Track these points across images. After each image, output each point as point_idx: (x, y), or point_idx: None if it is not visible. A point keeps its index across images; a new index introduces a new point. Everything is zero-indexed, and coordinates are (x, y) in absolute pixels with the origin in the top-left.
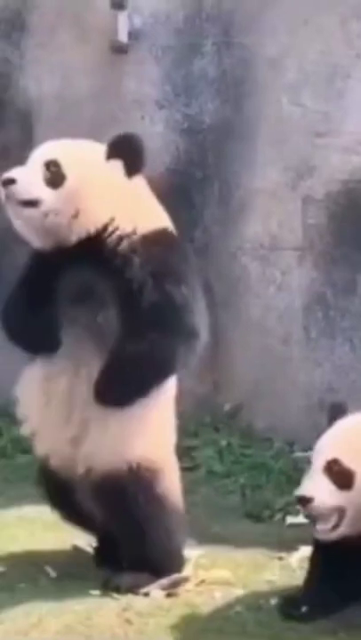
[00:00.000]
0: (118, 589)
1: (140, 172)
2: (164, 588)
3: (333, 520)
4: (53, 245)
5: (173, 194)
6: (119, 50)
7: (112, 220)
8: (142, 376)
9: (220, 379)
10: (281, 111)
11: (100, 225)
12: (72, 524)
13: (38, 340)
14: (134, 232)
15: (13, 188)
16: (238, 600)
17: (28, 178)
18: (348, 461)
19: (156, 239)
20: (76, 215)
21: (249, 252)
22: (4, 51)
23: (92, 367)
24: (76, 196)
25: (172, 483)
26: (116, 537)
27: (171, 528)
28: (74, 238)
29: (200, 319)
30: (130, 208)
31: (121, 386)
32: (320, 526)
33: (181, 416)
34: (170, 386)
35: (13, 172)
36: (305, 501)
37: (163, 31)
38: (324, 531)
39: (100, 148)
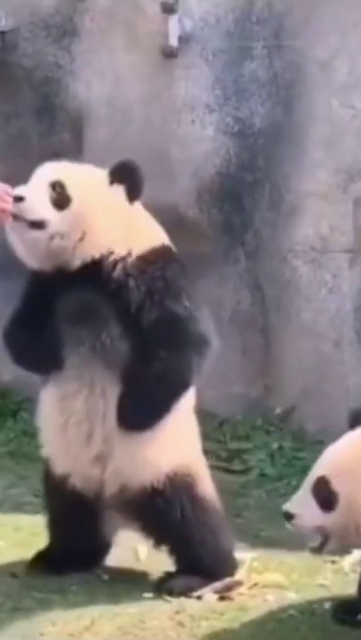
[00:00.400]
0: (171, 592)
1: (140, 198)
2: (217, 592)
3: (319, 538)
4: (54, 268)
5: (224, 197)
6: (170, 54)
7: (111, 241)
8: (162, 396)
9: (272, 382)
10: (331, 113)
11: (103, 250)
12: (67, 544)
13: (41, 360)
14: (129, 254)
15: (22, 206)
16: (291, 604)
17: (36, 197)
18: (335, 482)
19: (150, 259)
20: (81, 239)
21: (300, 254)
22: (54, 55)
23: (106, 384)
24: (81, 220)
25: (208, 484)
26: (166, 545)
27: (217, 529)
28: (77, 262)
29: (205, 326)
30: (127, 232)
31: (143, 409)
32: (309, 543)
33: (233, 419)
34: (189, 392)
35: (21, 190)
36: (289, 517)
37: (213, 35)
38: (313, 548)
39: (101, 173)
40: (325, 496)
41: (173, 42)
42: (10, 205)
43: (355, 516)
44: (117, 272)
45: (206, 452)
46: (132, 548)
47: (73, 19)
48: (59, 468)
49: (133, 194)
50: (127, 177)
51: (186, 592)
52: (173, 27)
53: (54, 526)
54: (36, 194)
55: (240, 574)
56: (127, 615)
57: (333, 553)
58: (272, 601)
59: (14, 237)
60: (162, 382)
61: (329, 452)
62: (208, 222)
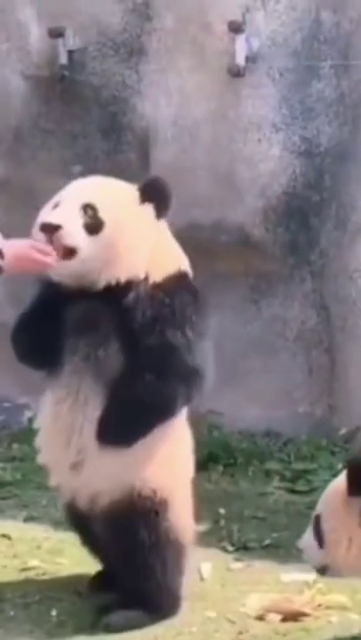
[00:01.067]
0: (108, 628)
1: (166, 215)
2: (280, 612)
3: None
4: (77, 287)
5: (290, 217)
6: (237, 73)
7: (136, 267)
8: (140, 419)
9: (337, 402)
10: None
11: (130, 273)
12: (91, 552)
13: (44, 358)
14: (145, 279)
15: (58, 235)
16: (355, 625)
17: (70, 223)
18: (324, 519)
19: (163, 286)
20: (109, 263)
21: None
22: (122, 75)
23: (89, 395)
24: (113, 244)
25: (177, 515)
26: (115, 570)
27: (168, 564)
28: (102, 284)
29: (203, 358)
30: (151, 255)
31: (120, 427)
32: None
33: (297, 439)
34: (177, 419)
35: (55, 217)
36: (300, 552)
37: (280, 54)
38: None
39: (131, 191)
40: (318, 534)
41: (240, 61)
42: (53, 260)
43: (337, 553)
44: (130, 295)
45: (271, 473)
46: (195, 567)
47: (140, 38)
48: (51, 477)
49: (162, 211)
50: (157, 194)
51: (124, 629)
52: (241, 46)
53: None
54: (70, 220)
55: (305, 595)
56: (190, 634)
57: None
58: (336, 622)
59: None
60: (142, 406)
61: (327, 488)
62: (274, 241)
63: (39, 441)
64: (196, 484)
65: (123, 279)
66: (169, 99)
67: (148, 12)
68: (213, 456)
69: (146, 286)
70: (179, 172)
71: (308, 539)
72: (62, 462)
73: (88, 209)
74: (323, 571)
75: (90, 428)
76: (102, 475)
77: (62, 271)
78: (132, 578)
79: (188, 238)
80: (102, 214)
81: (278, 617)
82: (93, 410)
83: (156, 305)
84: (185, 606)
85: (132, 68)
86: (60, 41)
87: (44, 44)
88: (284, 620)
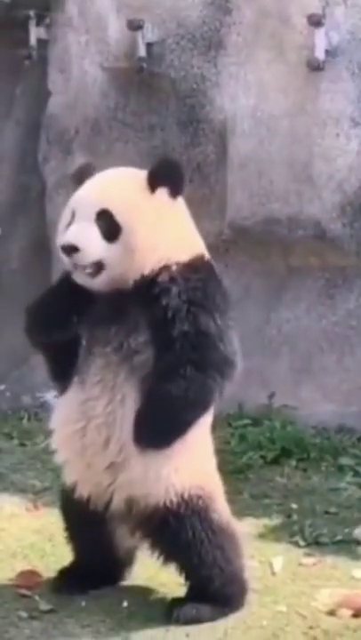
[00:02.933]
0: (178, 621)
1: (183, 192)
2: (351, 607)
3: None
4: (107, 288)
5: None
6: (316, 67)
7: (162, 254)
8: (180, 416)
9: None
10: None
11: (153, 265)
12: (83, 561)
13: (45, 331)
14: (177, 262)
15: (77, 257)
16: None
17: (89, 239)
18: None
19: (195, 267)
20: (134, 262)
21: None
22: (200, 68)
23: (126, 392)
24: (132, 246)
25: (222, 505)
26: (176, 565)
27: (230, 553)
28: (130, 282)
29: (233, 348)
30: (173, 238)
31: (159, 428)
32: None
33: None
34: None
35: (73, 237)
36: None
37: (360, 48)
38: None
39: (141, 178)
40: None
41: (320, 55)
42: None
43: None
44: (162, 277)
45: (343, 468)
46: (266, 561)
47: (219, 31)
48: (70, 475)
49: (176, 191)
50: (167, 177)
51: (194, 622)
52: (320, 40)
53: (70, 540)
54: (87, 235)
55: None
56: (260, 628)
57: None
58: None
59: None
60: (182, 402)
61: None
62: (351, 236)
63: (56, 440)
64: (269, 479)
65: (147, 271)
66: (247, 92)
67: (228, 6)
68: (286, 451)
69: (178, 268)
70: (256, 166)
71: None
72: (96, 461)
73: (103, 216)
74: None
75: (128, 427)
76: (145, 476)
77: (93, 284)
78: (197, 573)
79: (264, 232)
80: (118, 218)
81: (349, 612)
82: (131, 406)
83: (189, 288)
84: (255, 600)
85: (210, 61)
86: (138, 33)
87: (123, 36)
88: (356, 615)
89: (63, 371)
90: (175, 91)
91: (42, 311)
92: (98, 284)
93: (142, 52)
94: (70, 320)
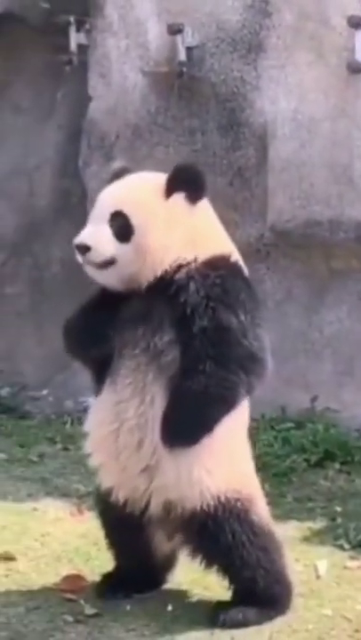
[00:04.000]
0: (224, 625)
1: (203, 198)
2: None
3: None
4: (125, 288)
5: None
6: (356, 69)
7: (175, 254)
8: (202, 412)
9: None
10: None
11: (167, 265)
12: (124, 565)
13: (84, 349)
14: (194, 260)
15: (89, 255)
16: None
17: (101, 239)
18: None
19: (214, 265)
20: (146, 263)
21: None
22: (240, 71)
23: (155, 393)
24: (145, 246)
25: (261, 506)
26: (218, 568)
27: (272, 553)
28: (144, 283)
29: (261, 345)
30: (192, 238)
31: (183, 426)
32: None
33: None
34: (241, 410)
35: (86, 237)
36: (85, 249)
37: None
38: None
39: (159, 182)
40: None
41: (360, 57)
42: None
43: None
44: (180, 276)
45: None
46: (311, 565)
47: (259, 34)
48: (106, 479)
49: (194, 198)
50: (185, 183)
51: (241, 625)
52: (360, 41)
53: (110, 545)
54: (99, 235)
55: None
56: (306, 632)
57: None
58: None
59: (88, 272)
60: (203, 398)
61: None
62: None
63: (92, 444)
64: (313, 482)
65: (160, 272)
66: (287, 95)
67: (267, 8)
68: (330, 454)
69: (196, 266)
70: (297, 169)
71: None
72: (131, 464)
73: (117, 217)
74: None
75: (158, 427)
76: (180, 479)
77: (105, 280)
78: (240, 576)
79: (305, 235)
80: (131, 219)
81: None
82: (161, 407)
83: (208, 284)
84: (300, 604)
85: (250, 64)
86: (178, 38)
87: (163, 40)
88: None
89: (101, 375)
90: (215, 94)
91: (79, 331)
92: (107, 279)
93: (182, 56)
94: (107, 337)
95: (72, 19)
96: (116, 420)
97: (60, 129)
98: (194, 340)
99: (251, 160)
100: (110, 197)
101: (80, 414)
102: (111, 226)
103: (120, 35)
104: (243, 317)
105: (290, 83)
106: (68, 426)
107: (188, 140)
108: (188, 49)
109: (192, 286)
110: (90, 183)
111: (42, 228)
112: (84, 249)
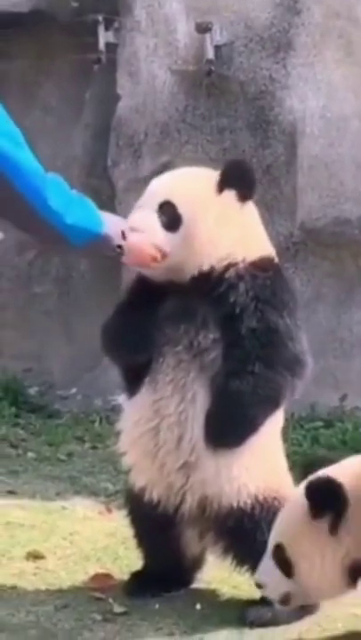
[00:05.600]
0: (253, 624)
1: (252, 197)
2: None
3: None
4: (167, 280)
5: None
6: None
7: (224, 252)
8: (249, 413)
9: None
10: None
11: (213, 261)
12: (152, 564)
13: (129, 353)
14: (243, 260)
15: (138, 236)
16: None
17: (150, 223)
18: (290, 547)
19: (263, 266)
20: (192, 255)
21: None
22: (269, 69)
23: (197, 390)
24: (193, 238)
25: None
26: (250, 567)
27: None
28: (188, 276)
29: (302, 347)
30: (240, 237)
31: (229, 426)
32: (277, 606)
33: None
34: (279, 412)
35: (137, 220)
36: (259, 586)
37: None
38: (281, 609)
39: (210, 179)
40: (284, 564)
41: None
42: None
43: (311, 577)
44: (229, 275)
45: None
46: None
47: (288, 32)
48: (140, 477)
49: (244, 196)
50: (236, 180)
51: (269, 624)
52: None
53: (139, 544)
54: (149, 223)
55: None
56: (335, 630)
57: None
58: None
59: (128, 255)
60: (251, 399)
61: (280, 518)
62: None
63: (126, 442)
64: None
65: (207, 267)
66: (316, 92)
67: (296, 6)
68: (359, 452)
69: (245, 266)
70: (326, 166)
71: (269, 571)
72: (169, 460)
73: (165, 207)
74: (286, 601)
75: (201, 425)
76: (218, 477)
77: (152, 270)
78: None
79: (334, 233)
80: (180, 209)
81: None
82: (202, 405)
83: (257, 286)
84: (329, 603)
85: (279, 62)
86: (207, 36)
87: (192, 39)
88: None
89: (136, 375)
90: (244, 93)
91: (120, 334)
92: (156, 269)
93: (211, 54)
94: (148, 339)
95: (101, 17)
96: (156, 417)
97: (88, 128)
98: (241, 340)
99: (280, 158)
100: (160, 187)
101: (109, 413)
102: (159, 215)
103: (149, 33)
104: (288, 319)
105: (319, 80)
106: (96, 424)
107: (216, 139)
108: (217, 47)
109: (242, 286)
110: (118, 182)
111: None
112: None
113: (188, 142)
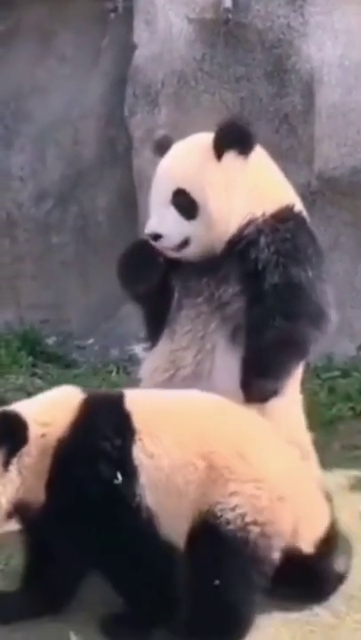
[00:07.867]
0: None
1: (253, 148)
2: None
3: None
4: (199, 257)
5: None
6: None
7: (243, 212)
8: (279, 363)
9: None
10: None
11: (237, 226)
12: None
13: (143, 285)
14: (263, 214)
15: (162, 241)
16: None
17: (170, 224)
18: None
19: (283, 217)
20: (216, 232)
21: None
22: (287, 17)
23: (216, 342)
24: (212, 217)
25: (314, 466)
26: None
27: None
28: (218, 248)
29: (327, 300)
30: (254, 192)
31: (263, 378)
32: None
33: None
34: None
35: (155, 226)
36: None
37: None
38: None
39: (209, 144)
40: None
41: None
42: None
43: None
44: (249, 231)
45: None
46: (357, 512)
47: None
48: None
49: (244, 151)
50: (233, 140)
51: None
52: None
53: None
54: (167, 219)
55: None
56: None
57: None
58: None
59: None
60: (278, 350)
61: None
62: None
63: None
64: (359, 430)
65: (231, 234)
66: (334, 41)
67: None
68: None
69: (265, 219)
70: (344, 115)
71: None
72: None
73: (179, 195)
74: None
75: (218, 376)
76: None
77: (183, 256)
78: None
79: (352, 183)
80: (194, 195)
81: None
82: (220, 356)
83: (278, 239)
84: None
85: (296, 10)
86: None
87: None
88: None
89: (157, 325)
90: (262, 41)
91: (130, 261)
92: (185, 255)
93: (228, 2)
94: (157, 269)
95: None
96: (172, 368)
97: (104, 77)
98: (264, 295)
99: (297, 107)
100: (167, 176)
101: (126, 363)
102: (175, 205)
103: None
104: (310, 273)
105: (337, 29)
106: (113, 374)
107: (233, 88)
108: None
109: (262, 241)
110: (135, 132)
111: (87, 178)
112: (157, 237)
113: (205, 91)
